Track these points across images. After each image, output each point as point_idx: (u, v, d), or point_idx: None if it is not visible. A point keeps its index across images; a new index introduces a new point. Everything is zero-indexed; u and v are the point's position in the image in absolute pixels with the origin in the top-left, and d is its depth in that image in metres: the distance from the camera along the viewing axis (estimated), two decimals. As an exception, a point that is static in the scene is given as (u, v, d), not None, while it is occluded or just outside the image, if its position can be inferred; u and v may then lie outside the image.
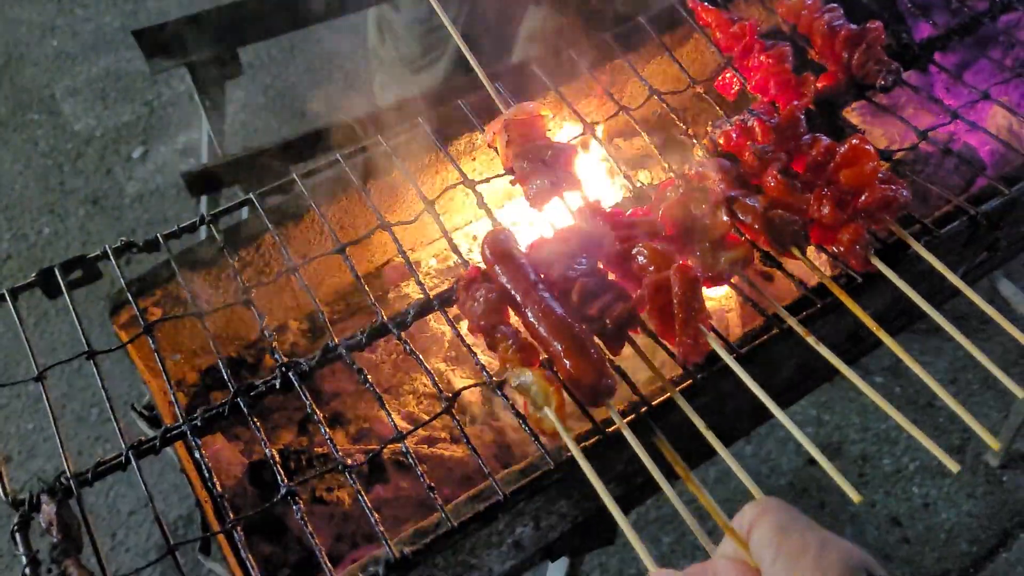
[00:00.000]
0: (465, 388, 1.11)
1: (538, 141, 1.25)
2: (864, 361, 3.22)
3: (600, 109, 1.36)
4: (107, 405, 1.08)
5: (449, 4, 1.95)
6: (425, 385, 1.36)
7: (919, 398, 3.06)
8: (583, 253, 1.16)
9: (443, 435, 1.30)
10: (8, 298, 1.18)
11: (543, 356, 1.08)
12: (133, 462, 1.05)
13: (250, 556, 0.99)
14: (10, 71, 4.18)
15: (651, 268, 1.13)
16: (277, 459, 1.05)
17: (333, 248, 1.21)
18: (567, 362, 1.04)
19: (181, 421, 1.08)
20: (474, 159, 1.32)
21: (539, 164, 1.23)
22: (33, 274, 1.18)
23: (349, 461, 1.04)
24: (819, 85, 1.38)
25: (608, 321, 1.09)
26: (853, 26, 1.36)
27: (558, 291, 1.12)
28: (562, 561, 1.45)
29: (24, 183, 3.78)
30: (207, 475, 1.04)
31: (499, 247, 1.15)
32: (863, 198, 1.18)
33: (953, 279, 1.12)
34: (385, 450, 1.23)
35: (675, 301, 1.08)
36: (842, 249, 1.16)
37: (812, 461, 2.85)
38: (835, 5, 1.40)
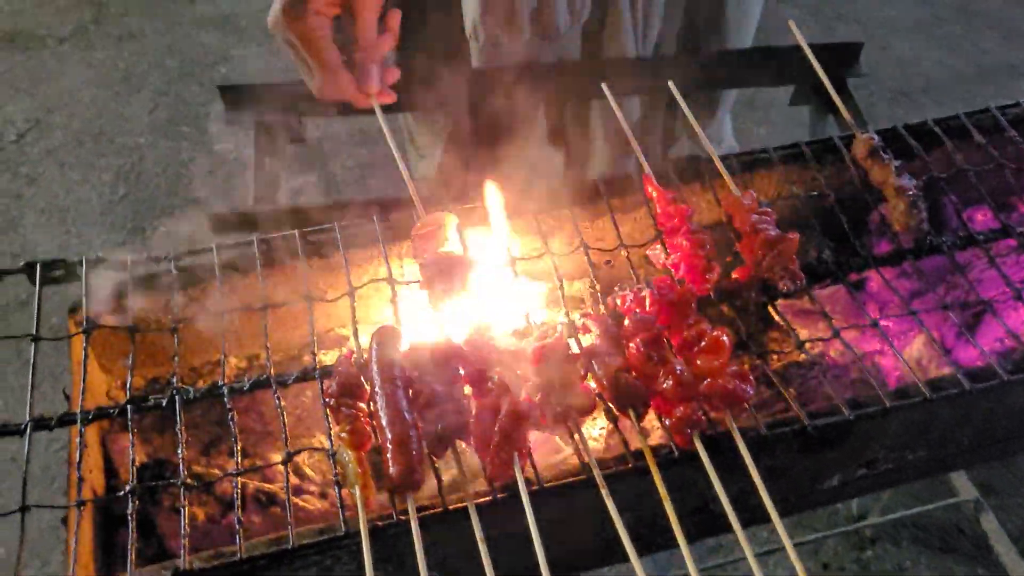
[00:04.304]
0: (303, 450, 1.29)
1: (437, 252, 1.43)
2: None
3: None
4: (29, 381, 1.32)
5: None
6: (320, 443, 1.54)
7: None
8: (450, 365, 1.33)
9: (312, 488, 1.47)
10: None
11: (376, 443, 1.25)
12: (28, 431, 1.28)
13: (81, 532, 1.20)
14: (178, 85, 4.72)
15: (494, 393, 1.28)
16: (137, 460, 1.26)
17: (259, 305, 1.43)
18: (389, 448, 1.21)
19: (79, 411, 1.30)
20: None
21: (438, 272, 1.41)
22: (21, 262, 1.44)
23: (189, 480, 1.23)
24: (734, 276, 1.52)
25: (439, 428, 1.25)
26: (773, 232, 1.49)
27: (412, 391, 1.29)
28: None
29: (158, 183, 4.28)
30: (79, 459, 1.25)
31: (379, 340, 1.33)
32: (705, 384, 1.30)
33: (755, 477, 1.22)
34: (251, 486, 1.42)
35: (497, 428, 1.23)
36: (671, 423, 1.28)
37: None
38: (768, 209, 1.53)
